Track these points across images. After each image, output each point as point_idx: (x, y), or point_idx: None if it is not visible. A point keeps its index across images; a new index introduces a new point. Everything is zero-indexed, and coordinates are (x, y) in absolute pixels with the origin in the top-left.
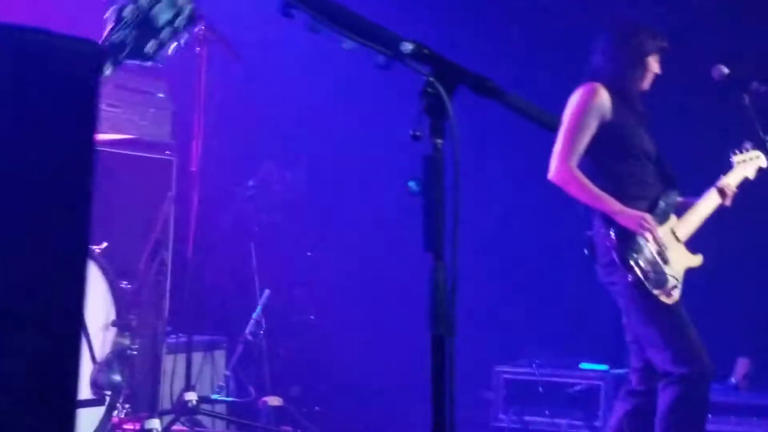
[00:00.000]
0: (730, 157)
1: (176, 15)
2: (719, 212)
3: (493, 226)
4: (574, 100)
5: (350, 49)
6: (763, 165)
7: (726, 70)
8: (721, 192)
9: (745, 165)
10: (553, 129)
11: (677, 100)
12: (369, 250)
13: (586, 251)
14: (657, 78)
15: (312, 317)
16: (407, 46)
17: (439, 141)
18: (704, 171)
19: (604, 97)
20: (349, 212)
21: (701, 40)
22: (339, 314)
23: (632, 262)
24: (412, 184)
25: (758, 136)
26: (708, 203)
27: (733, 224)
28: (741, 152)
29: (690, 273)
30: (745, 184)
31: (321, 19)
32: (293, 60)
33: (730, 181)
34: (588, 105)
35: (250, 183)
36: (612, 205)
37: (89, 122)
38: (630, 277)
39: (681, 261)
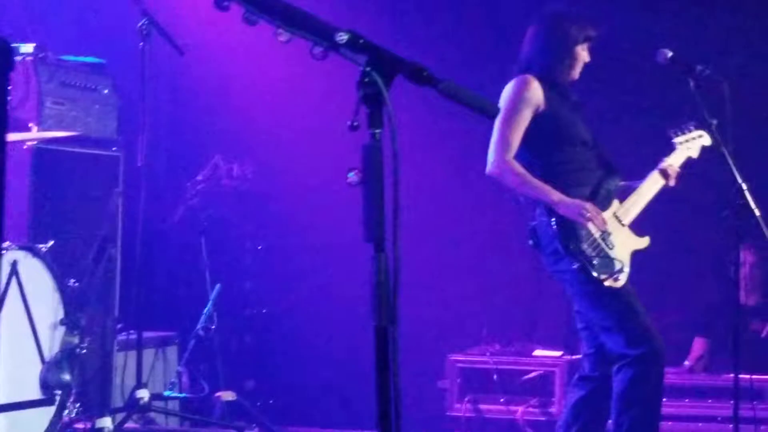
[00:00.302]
0: (671, 138)
1: None
2: (671, 195)
3: (446, 214)
4: (506, 93)
5: (287, 40)
6: (707, 144)
7: (670, 54)
8: (664, 173)
9: (688, 145)
10: (493, 116)
11: (622, 84)
12: (318, 241)
13: (530, 242)
14: (604, 64)
15: (264, 311)
16: (342, 36)
17: (377, 130)
18: (651, 155)
19: (535, 88)
20: (296, 204)
21: (646, 25)
22: (291, 307)
23: (576, 250)
24: (351, 175)
25: (704, 119)
26: (651, 185)
27: (684, 206)
28: (683, 132)
29: (644, 256)
30: (700, 165)
31: (256, 10)
32: (237, 52)
33: (673, 161)
34: (520, 97)
35: (199, 177)
36: (551, 195)
37: None
38: (575, 265)
39: (626, 245)
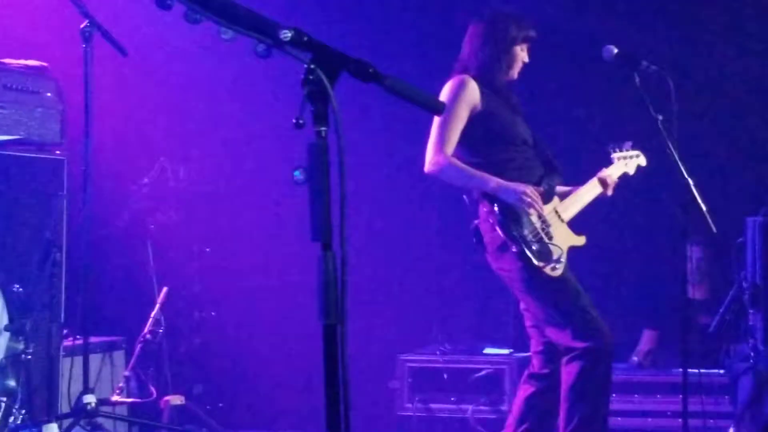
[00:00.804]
0: (609, 154)
1: None
2: (623, 189)
3: (394, 213)
4: (444, 92)
5: (229, 38)
6: (643, 164)
7: (615, 50)
8: (603, 182)
9: (626, 162)
10: (438, 112)
11: (569, 83)
12: (265, 242)
13: (474, 240)
14: (551, 61)
15: (213, 313)
16: (286, 34)
17: (322, 128)
18: (598, 154)
19: (472, 89)
20: (243, 205)
21: (591, 22)
22: (239, 309)
23: (517, 235)
24: (297, 173)
25: (650, 115)
26: (589, 190)
27: (634, 200)
28: (621, 150)
29: (595, 250)
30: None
31: (198, 9)
32: (181, 53)
33: (611, 172)
34: (457, 97)
35: (145, 180)
36: (489, 182)
37: None
38: (515, 248)
39: (564, 239)
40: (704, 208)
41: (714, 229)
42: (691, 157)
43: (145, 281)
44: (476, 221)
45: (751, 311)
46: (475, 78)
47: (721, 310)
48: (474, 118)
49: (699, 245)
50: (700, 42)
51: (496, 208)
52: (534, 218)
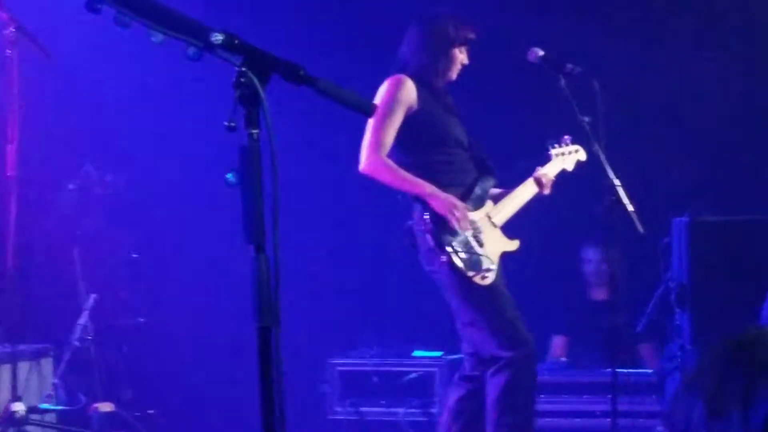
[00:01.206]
0: (548, 150)
1: None
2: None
3: (326, 216)
4: (380, 92)
5: (160, 42)
6: (582, 158)
7: (541, 53)
8: (538, 181)
9: (564, 158)
10: (370, 114)
11: (500, 85)
12: (194, 246)
13: (407, 241)
14: (482, 64)
15: (141, 319)
16: (217, 37)
17: (254, 131)
18: (531, 154)
19: (409, 88)
20: (172, 210)
21: (519, 25)
22: (168, 315)
23: (446, 243)
24: (229, 176)
25: (576, 117)
26: (524, 191)
27: (542, 204)
28: (560, 145)
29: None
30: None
31: (128, 12)
32: (109, 56)
33: (547, 171)
34: (393, 96)
35: (71, 186)
36: (424, 187)
37: None
38: (444, 257)
39: (496, 245)
40: (630, 209)
41: (641, 230)
42: (617, 159)
43: (72, 288)
44: (410, 222)
45: (677, 311)
46: (412, 78)
47: (647, 311)
48: (409, 119)
49: (596, 248)
50: (624, 43)
51: (426, 216)
52: (466, 223)
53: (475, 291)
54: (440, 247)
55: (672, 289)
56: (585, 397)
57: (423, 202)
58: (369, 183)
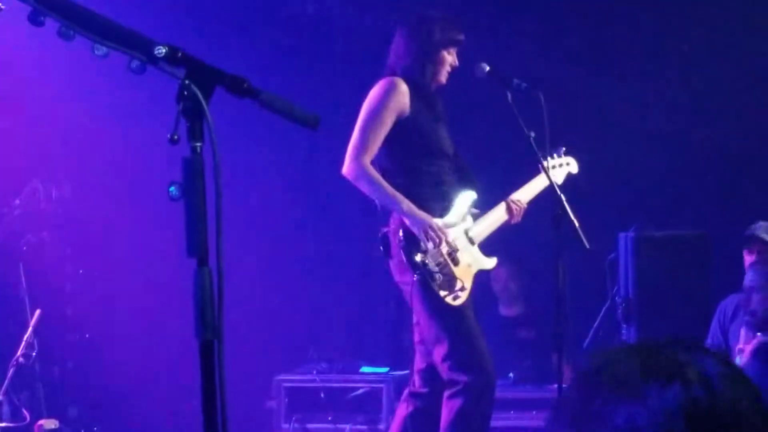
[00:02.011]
0: (539, 162)
1: None
2: None
3: (271, 230)
4: (373, 93)
5: (103, 54)
6: (574, 171)
7: (487, 68)
8: (509, 208)
9: (554, 171)
10: (313, 127)
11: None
12: (140, 260)
13: (381, 248)
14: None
15: (86, 335)
16: (160, 50)
17: (197, 144)
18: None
19: (403, 92)
20: (116, 224)
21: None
22: (113, 330)
23: (419, 262)
24: (172, 189)
25: (522, 133)
26: (497, 216)
27: None
28: (552, 157)
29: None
30: None
31: (71, 25)
32: (52, 70)
33: (521, 196)
34: (386, 100)
35: (16, 201)
36: (401, 204)
37: None
38: (416, 276)
39: (473, 264)
40: (576, 224)
41: (587, 245)
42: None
43: (17, 303)
44: (385, 229)
45: (624, 326)
46: (405, 81)
47: (594, 325)
48: (399, 124)
49: (503, 267)
50: (574, 58)
51: (401, 231)
52: (442, 246)
53: (444, 310)
54: (413, 265)
55: (618, 304)
56: (533, 412)
57: (396, 215)
58: (316, 198)
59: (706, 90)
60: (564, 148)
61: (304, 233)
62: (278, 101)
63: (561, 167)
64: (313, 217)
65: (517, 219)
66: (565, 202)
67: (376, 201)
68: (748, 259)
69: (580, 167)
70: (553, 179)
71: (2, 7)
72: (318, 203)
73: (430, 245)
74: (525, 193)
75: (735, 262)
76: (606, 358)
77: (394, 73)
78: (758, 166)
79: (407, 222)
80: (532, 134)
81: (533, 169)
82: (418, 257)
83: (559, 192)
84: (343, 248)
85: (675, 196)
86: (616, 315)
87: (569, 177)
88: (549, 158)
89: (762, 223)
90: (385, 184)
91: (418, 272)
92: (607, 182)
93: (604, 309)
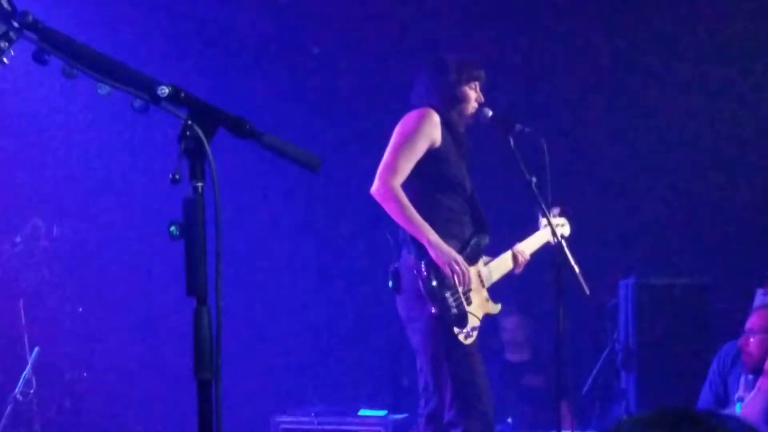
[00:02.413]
0: (538, 219)
1: None
2: None
3: (272, 270)
4: (408, 119)
5: (106, 94)
6: (566, 234)
7: (490, 113)
8: (515, 257)
9: (547, 230)
10: (314, 169)
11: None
12: (140, 300)
13: (390, 283)
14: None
15: (85, 374)
16: (164, 90)
17: (198, 184)
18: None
19: (435, 123)
20: (117, 264)
21: None
22: (113, 369)
23: (439, 295)
24: (172, 229)
25: (524, 177)
26: (504, 263)
27: None
28: (544, 216)
29: None
30: None
31: (75, 64)
32: (56, 108)
33: (525, 247)
34: (420, 127)
35: (17, 239)
36: (428, 234)
37: None
38: (434, 310)
39: (481, 306)
40: (577, 270)
41: (587, 291)
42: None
43: (16, 340)
44: (396, 264)
45: (623, 373)
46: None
47: (594, 372)
48: (427, 154)
49: (511, 316)
50: (584, 104)
51: (423, 266)
52: (464, 280)
53: (454, 348)
54: (432, 297)
55: (618, 351)
56: None
57: (417, 247)
58: (317, 237)
59: (708, 140)
60: (558, 209)
61: (306, 272)
62: (280, 143)
63: (557, 228)
64: (314, 257)
65: (519, 270)
66: (566, 249)
67: (402, 226)
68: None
69: (585, 212)
70: (549, 238)
71: (6, 62)
72: (319, 243)
73: (455, 279)
74: (528, 245)
75: (734, 312)
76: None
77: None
78: (759, 217)
79: (433, 253)
80: (534, 179)
81: (533, 213)
82: (439, 290)
83: (559, 238)
84: (344, 288)
85: (676, 244)
86: (616, 362)
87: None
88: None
89: None
90: (414, 211)
91: (437, 305)
92: (608, 229)
93: (603, 355)
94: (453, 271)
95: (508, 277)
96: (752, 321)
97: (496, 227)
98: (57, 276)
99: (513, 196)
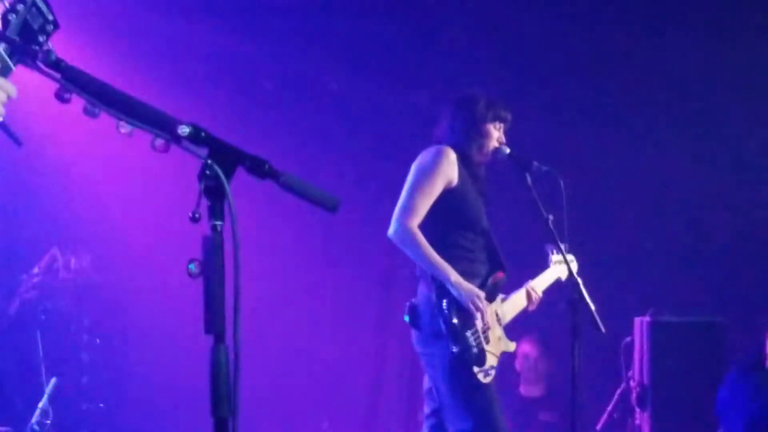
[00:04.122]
0: (548, 256)
1: None
2: None
3: (287, 306)
4: (423, 159)
5: (128, 132)
6: (574, 270)
7: (507, 150)
8: (528, 295)
9: (561, 267)
10: (332, 210)
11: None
12: (158, 334)
13: (407, 318)
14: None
15: (101, 405)
16: (184, 129)
17: (218, 222)
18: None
19: (452, 161)
20: (135, 296)
21: None
22: (129, 401)
23: (460, 334)
24: (191, 267)
25: (541, 215)
26: (519, 301)
27: None
28: (558, 253)
29: None
30: None
31: (97, 103)
32: (77, 143)
33: (537, 285)
34: (436, 165)
35: (35, 270)
36: (449, 273)
37: None
38: (455, 349)
39: (499, 344)
40: (592, 307)
41: (602, 329)
42: (580, 257)
43: (33, 370)
44: (414, 300)
45: (637, 410)
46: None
47: (608, 409)
48: (444, 193)
49: (532, 343)
50: (598, 141)
51: (444, 302)
52: (479, 320)
53: (474, 388)
54: (454, 336)
55: (632, 388)
56: None
57: (437, 285)
58: (332, 273)
59: (723, 178)
60: (566, 245)
61: (318, 306)
62: (298, 183)
63: (564, 264)
64: (329, 290)
65: (533, 307)
66: (581, 286)
67: (422, 267)
68: None
69: (601, 249)
70: (560, 275)
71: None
72: (334, 278)
73: (478, 317)
74: (540, 282)
75: (749, 351)
76: None
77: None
78: None
79: (455, 292)
80: (551, 217)
81: (543, 251)
82: (461, 329)
83: (575, 276)
84: (358, 322)
85: (691, 282)
86: (630, 399)
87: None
88: (556, 253)
89: None
90: (432, 251)
91: (458, 344)
92: (624, 266)
93: (618, 392)
94: (477, 308)
95: (527, 315)
96: None
97: (508, 265)
98: (75, 307)
99: (522, 233)
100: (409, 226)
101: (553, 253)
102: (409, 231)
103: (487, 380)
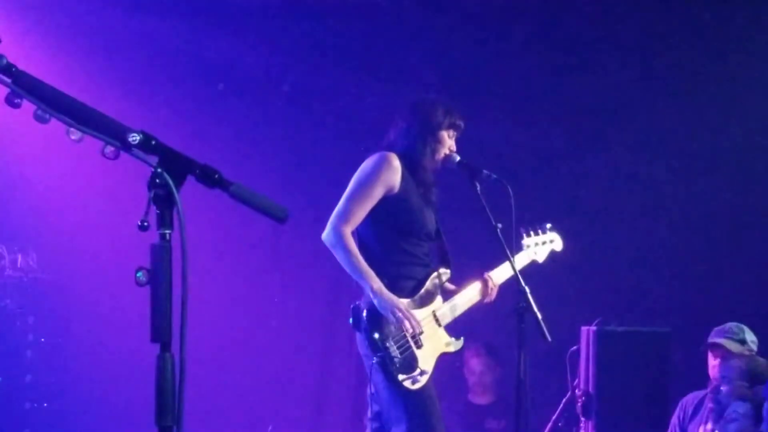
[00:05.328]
0: (520, 239)
1: None
2: None
3: (233, 315)
4: (365, 165)
5: (78, 139)
6: (558, 249)
7: (457, 158)
8: (485, 285)
9: (535, 249)
10: (281, 221)
11: None
12: (103, 337)
13: (351, 320)
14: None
15: (45, 404)
16: (135, 137)
17: (166, 231)
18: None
19: (394, 169)
20: (82, 297)
21: None
22: (73, 401)
23: (380, 344)
24: (139, 275)
25: (490, 223)
26: (469, 296)
27: None
28: (535, 233)
29: None
30: None
31: (47, 109)
32: (25, 144)
33: (495, 276)
34: (377, 172)
35: None
36: (372, 282)
37: None
38: (375, 359)
39: (437, 347)
40: (539, 316)
41: (549, 338)
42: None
43: None
44: (358, 302)
45: (582, 419)
46: (400, 159)
47: (553, 417)
48: (386, 199)
49: (478, 359)
50: (550, 149)
51: (365, 313)
52: (407, 326)
53: (402, 394)
54: (374, 346)
55: (578, 397)
56: None
57: (365, 294)
58: (281, 275)
59: (669, 191)
60: (549, 225)
61: (266, 309)
62: (248, 194)
63: (544, 245)
64: (276, 295)
65: (490, 298)
66: (529, 295)
67: (348, 272)
68: (713, 362)
69: (548, 258)
70: (534, 257)
71: None
72: (282, 282)
73: (392, 328)
74: (498, 274)
75: (695, 361)
76: None
77: (390, 149)
78: (721, 266)
79: (375, 300)
80: (500, 225)
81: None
82: (379, 338)
83: (523, 284)
84: (304, 326)
85: (638, 292)
86: (575, 408)
87: (552, 254)
88: (532, 234)
89: (719, 329)
90: (360, 258)
91: (378, 355)
92: (571, 276)
93: (563, 401)
94: (397, 318)
95: (476, 319)
96: None
97: (468, 267)
98: (20, 306)
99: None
100: (342, 232)
101: (528, 235)
102: (340, 236)
103: (415, 386)
